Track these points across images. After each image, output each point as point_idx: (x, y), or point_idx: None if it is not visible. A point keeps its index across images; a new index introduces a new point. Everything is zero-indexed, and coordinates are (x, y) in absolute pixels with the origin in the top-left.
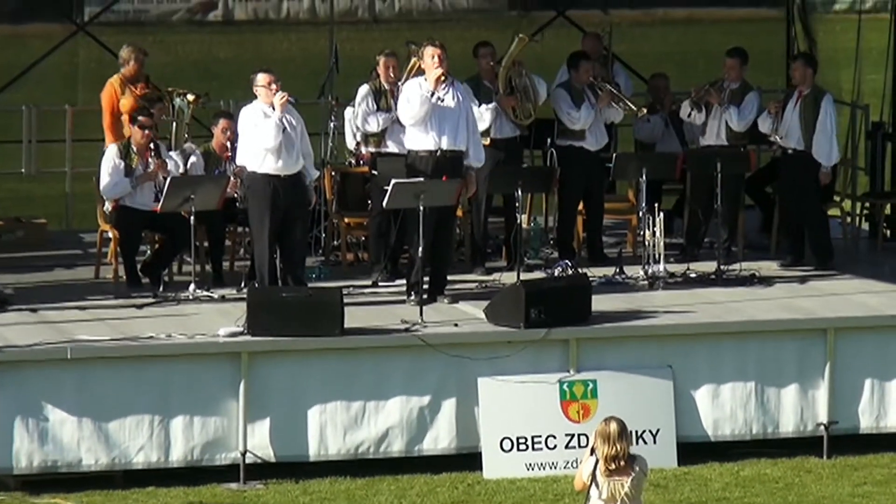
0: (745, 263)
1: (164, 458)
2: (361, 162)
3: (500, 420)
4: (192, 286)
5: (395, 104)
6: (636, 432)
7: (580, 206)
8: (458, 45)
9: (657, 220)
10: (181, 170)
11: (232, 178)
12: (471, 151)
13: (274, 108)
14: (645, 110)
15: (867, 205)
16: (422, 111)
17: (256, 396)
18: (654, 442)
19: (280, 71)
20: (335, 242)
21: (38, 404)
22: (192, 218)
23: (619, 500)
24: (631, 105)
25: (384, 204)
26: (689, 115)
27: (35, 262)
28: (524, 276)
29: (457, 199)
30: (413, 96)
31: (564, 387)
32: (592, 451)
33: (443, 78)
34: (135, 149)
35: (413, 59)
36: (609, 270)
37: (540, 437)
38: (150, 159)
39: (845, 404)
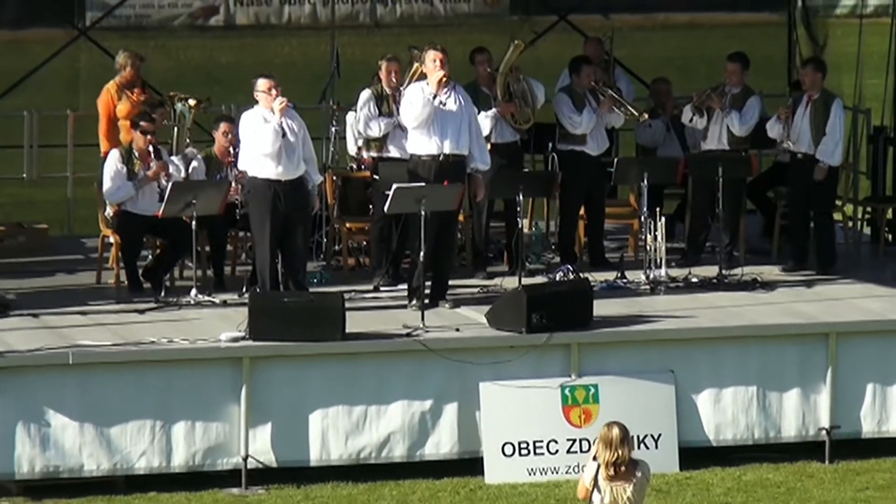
0: (747, 268)
1: (165, 463)
2: (363, 167)
3: (502, 425)
4: (193, 291)
5: (397, 109)
6: (638, 437)
7: (581, 211)
8: (459, 50)
9: (658, 224)
10: (182, 175)
11: (233, 183)
12: (476, 155)
13: (274, 114)
14: (646, 115)
15: (869, 209)
16: (424, 113)
17: (258, 401)
18: (656, 447)
19: (281, 76)
20: (336, 247)
21: (39, 409)
22: (193, 223)
23: None
24: (632, 110)
25: (386, 209)
26: (691, 121)
27: (36, 268)
28: (526, 280)
29: (458, 204)
30: (415, 99)
31: (566, 391)
32: (594, 458)
33: (444, 80)
34: (136, 154)
35: (415, 65)
36: (611, 275)
37: (542, 441)
38: (151, 163)
39: (847, 409)
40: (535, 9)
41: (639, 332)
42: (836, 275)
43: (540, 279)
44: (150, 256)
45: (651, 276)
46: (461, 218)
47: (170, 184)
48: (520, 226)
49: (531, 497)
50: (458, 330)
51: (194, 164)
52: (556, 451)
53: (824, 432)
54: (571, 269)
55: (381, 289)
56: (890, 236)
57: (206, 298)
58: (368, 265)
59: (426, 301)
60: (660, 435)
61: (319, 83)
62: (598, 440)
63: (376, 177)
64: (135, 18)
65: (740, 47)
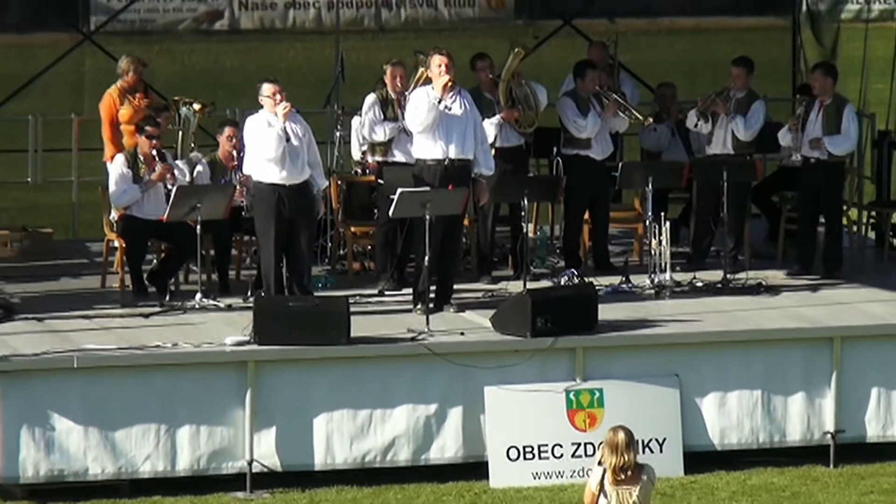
0: (752, 272)
1: (170, 467)
2: (368, 171)
3: (507, 429)
4: (198, 295)
5: (402, 113)
6: (643, 441)
7: (586, 215)
8: (464, 55)
9: (663, 228)
10: (187, 179)
11: (238, 187)
12: (480, 159)
13: (278, 119)
14: (651, 120)
15: (873, 213)
16: (429, 118)
17: (263, 405)
18: (661, 451)
19: (286, 80)
20: (341, 251)
21: (44, 413)
22: (198, 227)
23: None
24: (637, 114)
25: (391, 213)
26: (696, 126)
27: (41, 272)
28: (530, 284)
29: (463, 208)
30: (420, 103)
31: (571, 395)
32: (600, 462)
33: (450, 85)
34: (142, 158)
35: (420, 69)
36: (615, 279)
37: (546, 445)
38: (156, 167)
39: (852, 413)
40: (539, 13)
41: (643, 336)
42: (840, 279)
43: (545, 283)
44: (154, 260)
45: (656, 280)
46: (466, 222)
47: (175, 188)
48: (524, 230)
49: (536, 501)
50: (462, 334)
51: (199, 168)
52: (561, 455)
53: (829, 436)
54: (576, 273)
55: (386, 293)
56: (894, 240)
57: (211, 302)
58: (373, 269)
59: (431, 305)
60: (664, 439)
61: (324, 88)
62: (604, 445)
63: (381, 181)
64: (139, 23)
65: (745, 51)
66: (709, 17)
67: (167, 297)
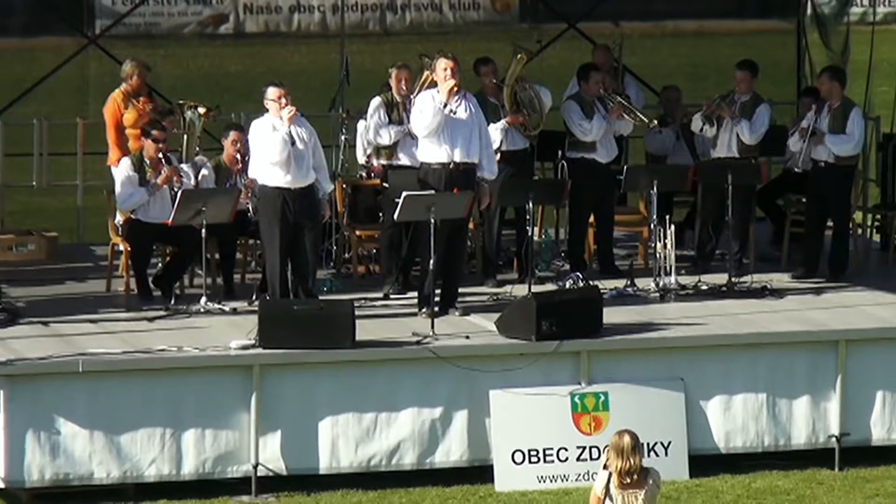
0: (757, 275)
1: (175, 471)
2: (373, 174)
3: (512, 433)
4: (203, 299)
5: (408, 117)
6: (648, 444)
7: (591, 219)
8: (469, 58)
9: (668, 232)
10: (192, 183)
11: (243, 190)
12: (484, 163)
13: (283, 122)
14: (656, 122)
15: (878, 217)
16: (434, 122)
17: (268, 409)
18: (666, 454)
19: (291, 84)
20: (346, 255)
21: (49, 417)
22: (203, 230)
23: None
24: (642, 116)
25: (396, 216)
26: (701, 130)
27: (46, 276)
28: (535, 288)
29: (468, 211)
30: (426, 108)
31: (576, 399)
32: (605, 466)
33: (455, 90)
34: (147, 162)
35: (426, 73)
36: (620, 282)
37: (551, 449)
38: (162, 171)
39: (857, 416)
40: (544, 16)
41: (649, 339)
42: (845, 282)
43: (550, 287)
44: (159, 264)
45: (661, 283)
46: (471, 225)
47: (180, 192)
48: (529, 233)
49: None
50: (467, 337)
51: (204, 171)
52: (566, 458)
53: (834, 439)
54: (581, 276)
55: (391, 296)
56: None
57: (216, 306)
58: (378, 273)
59: (436, 309)
60: (670, 442)
61: (329, 91)
62: (610, 449)
63: (386, 185)
64: (144, 27)
65: (749, 55)
66: (713, 19)
67: (172, 301)
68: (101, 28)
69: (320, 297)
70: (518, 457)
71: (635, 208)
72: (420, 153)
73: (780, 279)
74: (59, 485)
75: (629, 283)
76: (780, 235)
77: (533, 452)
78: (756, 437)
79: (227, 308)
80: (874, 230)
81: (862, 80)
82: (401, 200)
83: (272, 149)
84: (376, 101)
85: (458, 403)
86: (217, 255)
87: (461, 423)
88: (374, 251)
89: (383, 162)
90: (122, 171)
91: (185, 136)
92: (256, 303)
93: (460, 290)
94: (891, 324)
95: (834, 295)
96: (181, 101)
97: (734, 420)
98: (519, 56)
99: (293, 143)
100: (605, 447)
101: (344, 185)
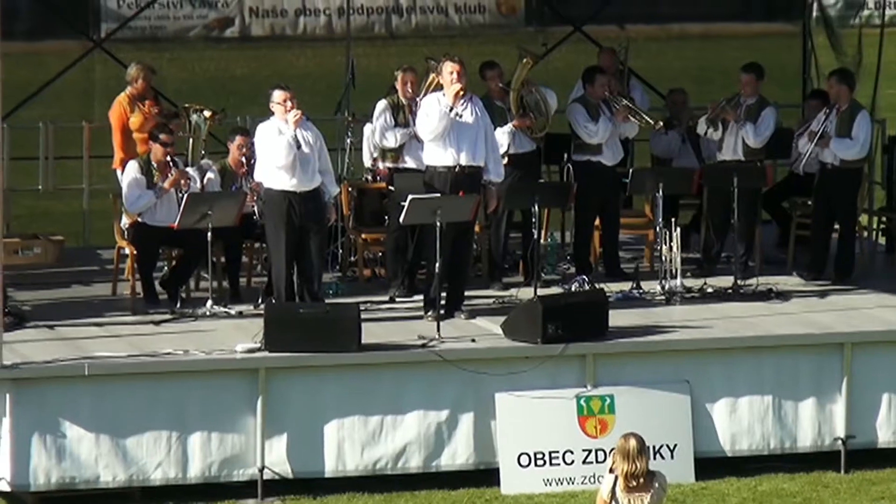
0: (762, 278)
1: (181, 474)
2: (379, 178)
3: (518, 435)
4: (209, 302)
5: (413, 120)
6: (654, 447)
7: (597, 222)
8: (475, 61)
9: (674, 235)
10: (198, 186)
11: (248, 193)
12: (490, 166)
13: (288, 126)
14: (661, 124)
15: (884, 219)
16: (440, 126)
17: (274, 412)
18: (672, 457)
19: (296, 87)
20: (352, 258)
21: (55, 421)
22: (209, 234)
23: None
24: (648, 119)
25: (401, 220)
26: (706, 133)
27: (52, 279)
28: (541, 291)
29: (474, 214)
30: (432, 111)
31: (581, 402)
32: (612, 469)
33: (461, 93)
34: (155, 165)
35: (431, 76)
36: (626, 285)
37: (557, 452)
38: (170, 175)
39: (863, 419)
40: (549, 20)
41: (654, 342)
42: (851, 285)
43: (555, 290)
44: (165, 268)
45: (666, 286)
46: (477, 229)
47: (186, 195)
48: (535, 236)
49: None
50: (473, 340)
51: (209, 175)
52: (572, 461)
53: (840, 442)
54: (587, 279)
55: (397, 300)
56: None
57: (222, 310)
58: (384, 276)
59: (442, 312)
60: (675, 445)
61: (335, 94)
62: (616, 452)
63: (392, 188)
64: (150, 30)
65: (755, 57)
66: (719, 22)
67: (178, 305)
68: (107, 32)
69: (326, 301)
70: (524, 460)
71: (641, 211)
72: (426, 156)
73: (786, 282)
74: (64, 488)
75: (635, 285)
76: (785, 238)
77: (539, 455)
78: (762, 439)
79: (232, 311)
80: (880, 233)
81: (867, 83)
82: (406, 204)
83: (278, 152)
84: (382, 104)
85: (463, 406)
86: (223, 259)
87: (467, 426)
88: (380, 254)
89: (389, 165)
90: (129, 174)
91: (191, 140)
92: (262, 306)
93: (466, 293)
94: None
95: (839, 297)
96: (187, 105)
97: (740, 423)
98: (525, 60)
99: (299, 146)
100: (611, 450)
101: (350, 189)
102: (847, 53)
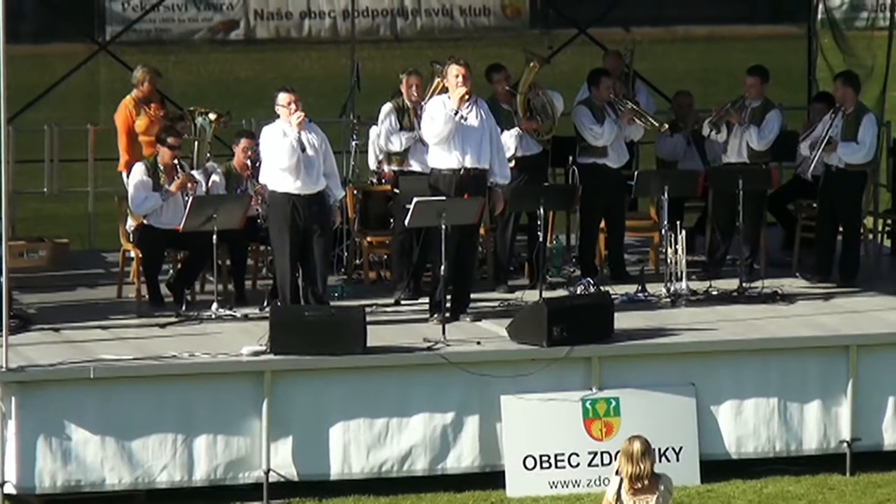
0: (768, 281)
1: (187, 477)
2: (384, 180)
3: (523, 438)
4: (214, 305)
5: (419, 123)
6: (659, 450)
7: (602, 224)
8: (480, 64)
9: (679, 237)
10: (203, 189)
11: (253, 196)
12: (496, 169)
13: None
14: (667, 126)
15: (889, 221)
16: (445, 130)
17: (279, 415)
18: (678, 460)
19: (301, 89)
20: (357, 261)
21: (60, 424)
22: (214, 237)
23: None
24: (653, 122)
25: (406, 222)
26: (709, 135)
27: (58, 282)
28: (546, 294)
29: (479, 217)
30: (437, 114)
31: (587, 404)
32: (618, 472)
33: (466, 97)
34: (162, 167)
35: (437, 80)
36: (631, 288)
37: (563, 454)
38: (176, 177)
39: (868, 421)
40: (554, 22)
41: (660, 345)
42: (856, 287)
43: (561, 292)
44: (170, 271)
45: (672, 289)
46: (482, 231)
47: (191, 198)
48: (540, 239)
49: None
50: (479, 343)
51: (214, 178)
52: (578, 464)
53: (845, 445)
54: (592, 282)
55: (402, 302)
56: None
57: (227, 312)
58: (389, 279)
59: (447, 314)
60: (681, 448)
61: (340, 97)
62: (621, 454)
63: (397, 191)
64: (155, 33)
65: (760, 60)
66: (724, 25)
67: (183, 307)
68: (112, 34)
69: (331, 304)
70: (529, 462)
71: (646, 214)
72: (430, 159)
73: (791, 284)
74: (70, 491)
75: (640, 288)
76: (790, 240)
77: (544, 458)
78: (767, 442)
79: (238, 314)
80: (885, 235)
81: (871, 85)
82: (412, 206)
83: (281, 154)
84: (387, 107)
85: (469, 409)
86: (228, 262)
87: (472, 428)
88: (385, 257)
89: (394, 168)
90: (136, 176)
91: (196, 143)
92: (268, 309)
93: (471, 295)
94: None
95: (845, 300)
96: (192, 108)
97: (745, 425)
98: (532, 64)
99: (303, 149)
100: (617, 453)
101: (355, 191)
102: (856, 55)
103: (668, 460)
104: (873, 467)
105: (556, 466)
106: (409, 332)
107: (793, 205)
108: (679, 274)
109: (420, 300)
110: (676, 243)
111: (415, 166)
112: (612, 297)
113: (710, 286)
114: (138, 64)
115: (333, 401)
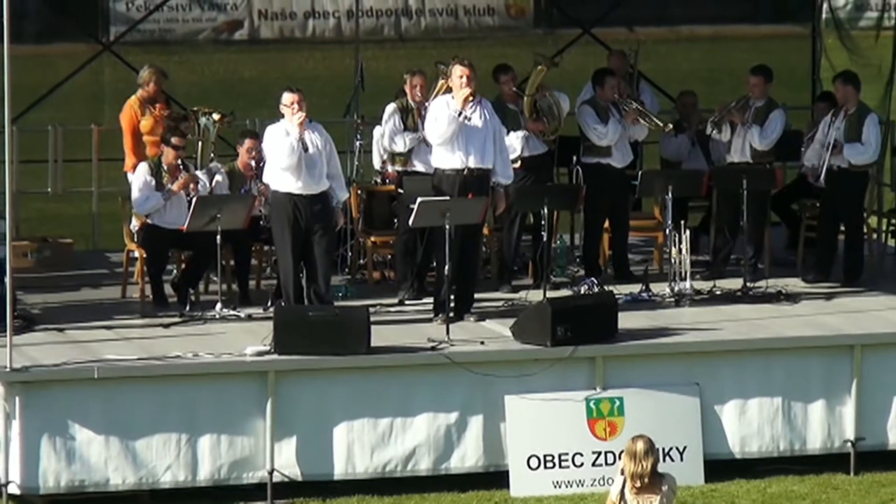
0: (772, 280)
1: (191, 477)
2: (388, 180)
3: (527, 438)
4: (218, 305)
5: (422, 123)
6: (663, 449)
7: (606, 224)
8: (484, 64)
9: (683, 237)
10: (207, 189)
11: (257, 196)
12: (499, 169)
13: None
14: (671, 126)
15: (893, 221)
16: (449, 131)
17: (283, 415)
18: (681, 459)
19: (305, 89)
20: (361, 261)
21: (64, 424)
22: (218, 237)
23: None
24: (657, 122)
25: (410, 222)
26: (711, 132)
27: (62, 282)
28: (550, 293)
29: (483, 217)
30: (441, 115)
31: (591, 404)
32: (622, 472)
33: (470, 98)
34: (165, 167)
35: (441, 81)
36: (635, 288)
37: (567, 454)
38: (179, 177)
39: (872, 420)
40: (558, 22)
41: (664, 344)
42: (860, 287)
43: (565, 292)
44: (174, 271)
45: (676, 288)
46: (486, 231)
47: (195, 198)
48: (544, 239)
49: None
50: (483, 343)
51: (218, 178)
52: (582, 463)
53: (849, 444)
54: (596, 282)
55: (406, 302)
56: None
57: (231, 312)
58: (393, 279)
59: (451, 314)
60: (685, 447)
61: (344, 97)
62: (624, 453)
63: (401, 191)
64: (159, 33)
65: (764, 59)
66: (728, 24)
67: (187, 307)
68: (116, 34)
69: (335, 304)
70: (533, 462)
71: (650, 213)
72: (434, 159)
73: (795, 284)
74: (74, 491)
75: (644, 288)
76: (795, 240)
77: (548, 457)
78: (771, 441)
79: (242, 314)
80: (889, 234)
81: (872, 85)
82: (416, 206)
83: (283, 153)
84: (391, 107)
85: (473, 409)
86: (232, 262)
87: (476, 428)
88: (389, 257)
89: (398, 168)
90: (139, 175)
91: (200, 143)
92: (271, 309)
93: (475, 295)
94: None
95: (849, 299)
96: (195, 108)
97: (749, 425)
98: (539, 67)
99: (306, 149)
100: (620, 452)
101: (359, 191)
102: (863, 55)
103: (672, 460)
104: (877, 467)
105: (560, 466)
106: (413, 332)
107: (797, 204)
108: (683, 274)
109: (424, 300)
110: (680, 243)
111: (418, 166)
112: (616, 296)
113: (714, 286)
114: (143, 64)
115: (337, 401)
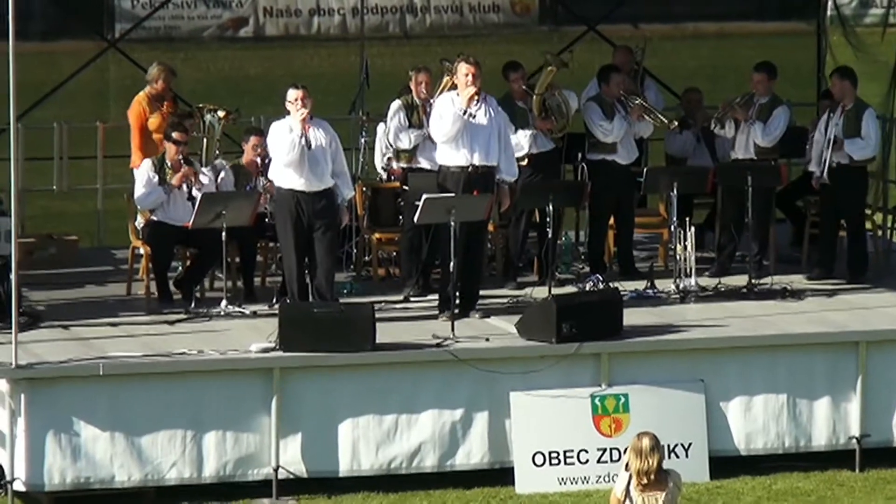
0: (777, 277)
1: (196, 473)
2: (393, 177)
3: (533, 434)
4: (223, 302)
5: (427, 120)
6: (668, 446)
7: (611, 221)
8: (489, 61)
9: (688, 234)
10: (212, 186)
11: (262, 193)
12: (503, 166)
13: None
14: (676, 123)
15: None
16: (454, 129)
17: (289, 412)
18: (687, 456)
19: (310, 86)
20: (366, 258)
21: (70, 421)
22: (223, 234)
23: None
24: (662, 118)
25: (415, 219)
26: (714, 128)
27: (67, 279)
28: (556, 290)
29: (488, 214)
30: (445, 113)
31: (596, 401)
32: (626, 468)
33: (476, 97)
34: (169, 163)
35: (446, 78)
36: (640, 284)
37: (572, 451)
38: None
39: (877, 417)
40: (563, 19)
41: (669, 341)
42: (865, 283)
43: (570, 289)
44: (179, 268)
45: (681, 285)
46: (491, 228)
47: (200, 195)
48: (550, 236)
49: None
50: (488, 340)
51: (223, 174)
52: (587, 460)
53: (855, 441)
54: (601, 278)
55: (411, 299)
56: None
57: (237, 309)
58: (398, 275)
59: (456, 311)
60: (690, 444)
61: (349, 94)
62: (630, 450)
63: (406, 187)
64: (164, 30)
65: (769, 56)
66: (733, 21)
67: (193, 304)
68: (121, 32)
69: (340, 300)
70: (539, 459)
71: (655, 210)
72: (439, 156)
73: (801, 280)
74: (79, 488)
75: (649, 284)
76: (799, 237)
77: (553, 454)
78: (776, 438)
79: (247, 311)
80: (894, 231)
81: (876, 82)
82: (421, 203)
83: (285, 150)
84: (396, 104)
85: (478, 405)
86: (237, 259)
87: (482, 425)
88: (394, 254)
89: (403, 165)
90: (142, 171)
91: (205, 140)
92: (277, 306)
93: (480, 292)
94: None
95: (854, 296)
96: (201, 105)
97: (754, 421)
98: (550, 68)
99: (309, 146)
100: (626, 449)
101: (364, 188)
102: (869, 51)
103: (678, 456)
104: (883, 463)
105: (566, 463)
106: (419, 328)
107: (802, 201)
108: (688, 270)
109: (429, 297)
110: (685, 240)
111: (423, 163)
112: (622, 293)
113: (719, 283)
114: (148, 61)
115: (342, 397)
